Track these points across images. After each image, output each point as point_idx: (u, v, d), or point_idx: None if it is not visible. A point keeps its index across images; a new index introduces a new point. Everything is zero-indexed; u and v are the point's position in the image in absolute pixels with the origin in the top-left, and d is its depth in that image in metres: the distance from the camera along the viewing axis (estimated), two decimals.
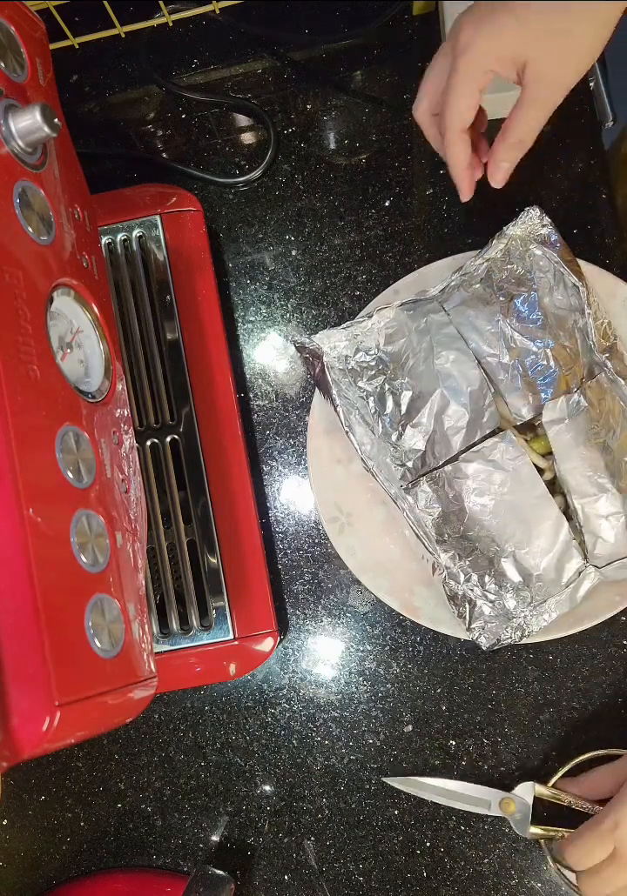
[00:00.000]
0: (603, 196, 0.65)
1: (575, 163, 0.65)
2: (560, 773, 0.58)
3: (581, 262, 0.58)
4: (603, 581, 0.54)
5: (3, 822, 0.63)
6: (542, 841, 0.57)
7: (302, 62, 0.70)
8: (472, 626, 0.55)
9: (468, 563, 0.55)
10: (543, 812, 0.58)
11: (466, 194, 0.53)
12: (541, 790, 0.57)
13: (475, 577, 0.55)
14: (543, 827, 0.57)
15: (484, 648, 0.55)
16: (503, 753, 0.60)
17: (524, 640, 0.55)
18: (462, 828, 0.59)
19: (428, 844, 0.60)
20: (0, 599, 0.36)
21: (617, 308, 0.59)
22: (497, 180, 0.51)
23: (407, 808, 0.60)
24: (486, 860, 0.59)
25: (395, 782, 0.60)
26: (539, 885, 0.58)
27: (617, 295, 0.59)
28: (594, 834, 0.50)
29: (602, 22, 0.44)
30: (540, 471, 0.57)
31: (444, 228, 0.66)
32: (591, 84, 0.67)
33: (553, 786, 0.58)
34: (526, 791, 0.57)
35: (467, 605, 0.55)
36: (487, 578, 0.55)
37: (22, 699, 0.35)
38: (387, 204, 0.67)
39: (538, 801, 0.58)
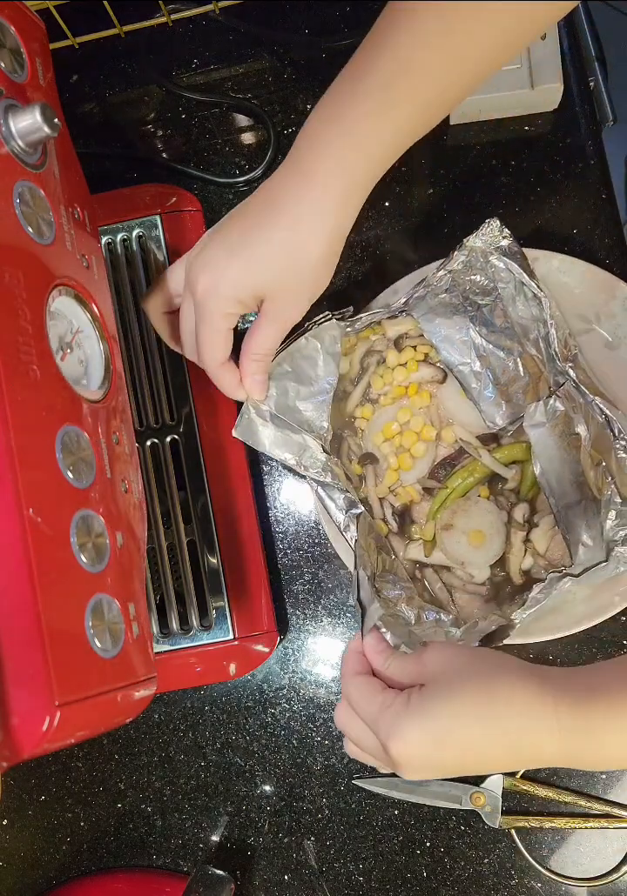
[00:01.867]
0: (603, 196, 0.65)
1: (575, 163, 0.65)
2: None
3: (580, 262, 0.58)
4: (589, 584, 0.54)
5: (3, 822, 0.63)
6: (513, 831, 0.58)
7: (302, 62, 0.70)
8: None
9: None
10: (513, 803, 0.59)
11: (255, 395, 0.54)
12: (510, 782, 0.59)
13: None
14: (513, 816, 0.58)
15: None
16: None
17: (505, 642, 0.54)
18: (462, 828, 0.59)
19: (428, 844, 0.60)
20: (0, 599, 0.36)
21: (616, 308, 0.59)
22: (255, 392, 0.53)
23: (407, 808, 0.60)
24: (486, 860, 0.59)
25: (365, 783, 0.60)
26: (539, 885, 0.58)
27: (617, 295, 0.59)
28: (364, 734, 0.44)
29: (339, 233, 0.47)
30: (503, 480, 0.57)
31: (444, 228, 0.66)
32: (591, 84, 0.67)
33: (522, 777, 0.59)
34: (495, 784, 0.58)
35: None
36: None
37: (22, 699, 0.35)
38: (387, 204, 0.67)
39: (507, 792, 0.59)
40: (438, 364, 0.60)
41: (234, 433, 0.55)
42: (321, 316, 0.56)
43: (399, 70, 0.43)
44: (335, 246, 0.47)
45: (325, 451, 0.56)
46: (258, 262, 0.46)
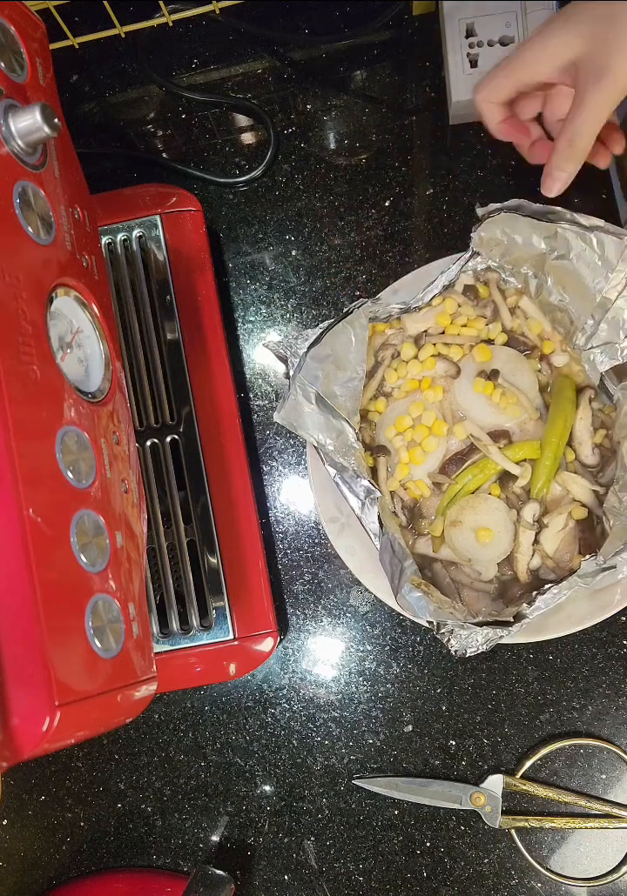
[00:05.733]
0: (603, 196, 0.65)
1: None
2: (527, 765, 0.59)
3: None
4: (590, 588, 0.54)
5: (3, 822, 0.63)
6: (513, 831, 0.58)
7: (302, 62, 0.70)
8: (442, 631, 0.54)
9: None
10: (513, 803, 0.59)
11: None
12: (510, 782, 0.59)
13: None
14: (513, 816, 0.58)
15: (454, 655, 0.53)
16: (503, 753, 0.60)
17: (504, 641, 0.54)
18: (462, 828, 0.59)
19: (428, 844, 0.60)
20: (0, 599, 0.36)
21: None
22: (550, 191, 0.52)
23: (407, 808, 0.60)
24: (486, 860, 0.59)
25: (365, 783, 0.60)
26: (539, 885, 0.58)
27: None
28: None
29: None
30: (514, 478, 0.57)
31: (444, 228, 0.66)
32: None
33: (522, 777, 0.59)
34: (495, 784, 0.58)
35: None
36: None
37: (22, 699, 0.35)
38: (387, 204, 0.67)
39: (507, 792, 0.59)
40: (452, 359, 0.60)
41: (276, 417, 0.54)
42: (359, 300, 0.56)
43: None
44: None
45: (358, 438, 0.55)
46: (581, 26, 0.47)
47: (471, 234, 0.56)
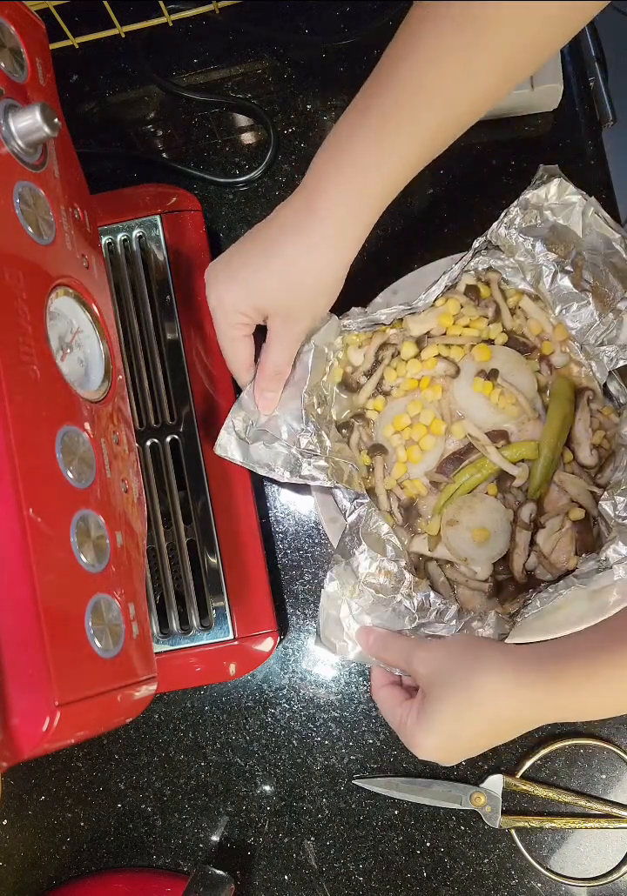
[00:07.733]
0: (603, 196, 0.65)
1: (575, 163, 0.65)
2: (527, 764, 0.59)
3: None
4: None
5: (3, 822, 0.63)
6: (513, 831, 0.58)
7: (302, 62, 0.70)
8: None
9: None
10: (513, 803, 0.59)
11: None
12: (510, 782, 0.59)
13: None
14: (513, 816, 0.58)
15: None
16: (503, 753, 0.60)
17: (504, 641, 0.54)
18: (462, 828, 0.59)
19: (428, 844, 0.60)
20: (0, 599, 0.36)
21: None
22: (266, 409, 0.55)
23: (407, 808, 0.60)
24: (486, 860, 0.59)
25: (365, 783, 0.60)
26: (539, 885, 0.58)
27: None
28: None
29: (337, 263, 0.50)
30: (510, 478, 0.57)
31: (444, 228, 0.66)
32: (591, 84, 0.67)
33: (522, 777, 0.59)
34: (495, 784, 0.58)
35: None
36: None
37: (22, 699, 0.35)
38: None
39: (507, 792, 0.59)
40: (452, 359, 0.60)
41: (215, 450, 0.55)
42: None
43: (396, 107, 0.46)
44: (335, 275, 0.50)
45: (301, 453, 0.55)
46: (257, 289, 0.50)
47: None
